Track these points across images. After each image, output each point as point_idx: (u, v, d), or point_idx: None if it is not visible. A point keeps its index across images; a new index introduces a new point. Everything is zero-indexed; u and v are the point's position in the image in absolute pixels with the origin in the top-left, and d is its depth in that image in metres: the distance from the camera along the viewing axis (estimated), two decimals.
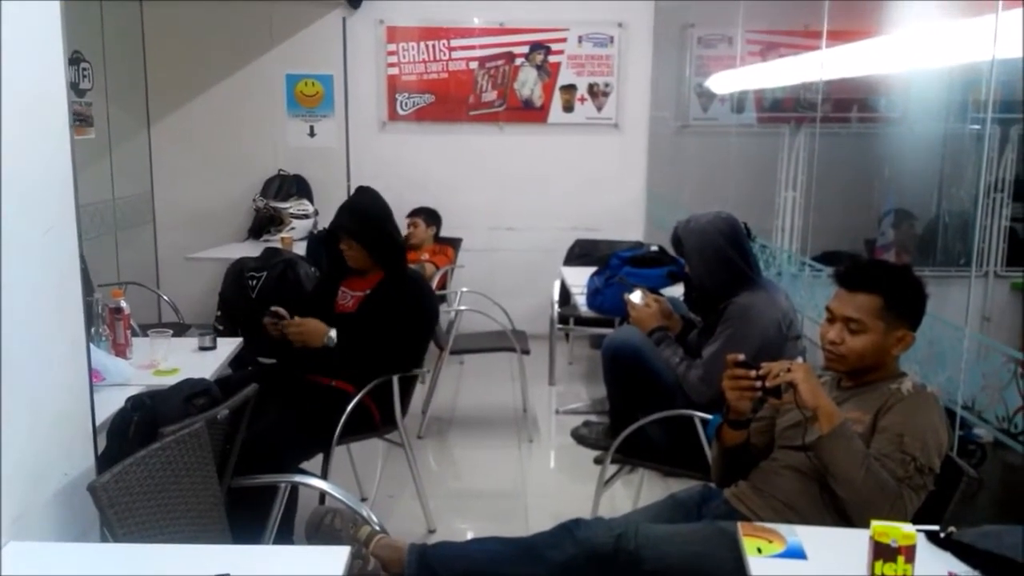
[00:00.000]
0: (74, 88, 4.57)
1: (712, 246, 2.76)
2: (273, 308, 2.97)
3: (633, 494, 3.19)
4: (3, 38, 1.50)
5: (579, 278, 4.40)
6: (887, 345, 1.99)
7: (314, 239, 5.06)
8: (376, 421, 3.02)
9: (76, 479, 1.76)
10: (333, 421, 2.82)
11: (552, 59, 5.81)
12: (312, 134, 5.80)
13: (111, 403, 2.12)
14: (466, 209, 5.73)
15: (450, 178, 5.84)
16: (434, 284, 4.69)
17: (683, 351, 2.85)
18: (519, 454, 4.06)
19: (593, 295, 4.11)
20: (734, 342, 2.61)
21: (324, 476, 2.76)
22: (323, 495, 2.52)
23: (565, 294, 4.85)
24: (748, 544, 1.62)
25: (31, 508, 1.63)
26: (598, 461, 2.97)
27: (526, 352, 4.36)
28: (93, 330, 2.68)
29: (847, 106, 4.27)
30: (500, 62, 5.81)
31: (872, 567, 1.47)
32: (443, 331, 4.20)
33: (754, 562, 1.57)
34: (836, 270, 2.09)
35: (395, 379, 3.01)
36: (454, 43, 5.78)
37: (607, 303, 4.01)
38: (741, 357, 1.96)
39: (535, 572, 1.94)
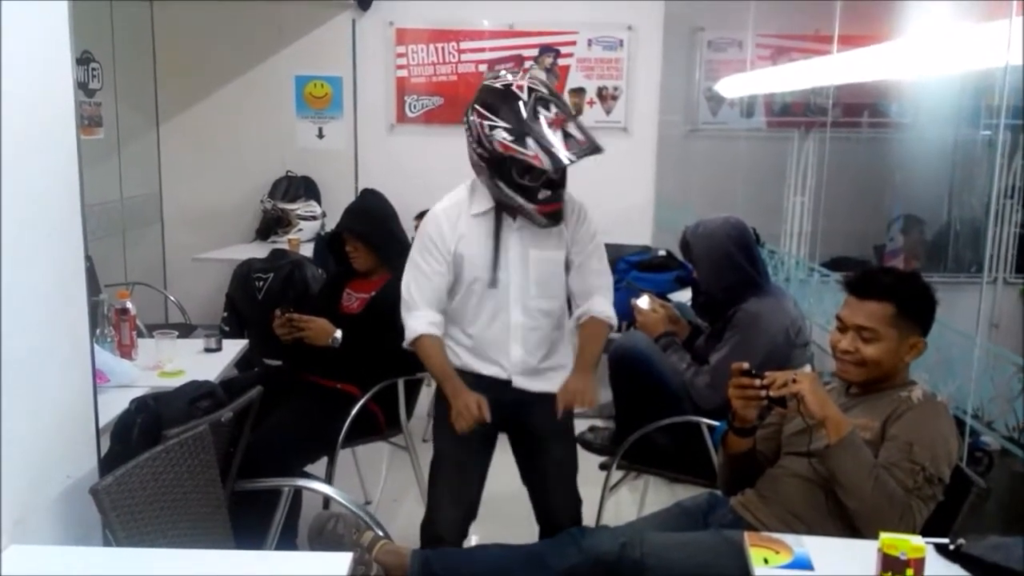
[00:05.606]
0: (84, 88, 4.58)
1: (721, 251, 2.74)
2: (283, 310, 2.95)
3: (638, 500, 3.17)
4: (9, 38, 1.49)
5: None
6: (901, 352, 1.96)
7: (321, 241, 5.05)
8: (381, 424, 3.02)
9: (79, 482, 1.75)
10: (338, 424, 2.81)
11: (561, 62, 5.79)
12: (320, 136, 5.79)
13: (115, 405, 2.11)
14: None
15: (458, 181, 5.71)
16: None
17: (690, 357, 2.83)
18: None
19: None
20: (741, 349, 2.59)
21: (328, 480, 2.75)
22: (327, 499, 2.51)
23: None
24: (755, 554, 1.61)
25: (33, 511, 1.62)
26: (603, 467, 2.95)
27: None
28: (98, 331, 2.68)
29: (858, 111, 4.26)
30: (509, 65, 5.80)
31: None
32: None
33: (760, 572, 1.56)
34: (846, 278, 2.06)
35: (400, 382, 3.00)
36: (463, 45, 5.76)
37: (614, 308, 3.99)
38: (746, 366, 1.94)
39: None
